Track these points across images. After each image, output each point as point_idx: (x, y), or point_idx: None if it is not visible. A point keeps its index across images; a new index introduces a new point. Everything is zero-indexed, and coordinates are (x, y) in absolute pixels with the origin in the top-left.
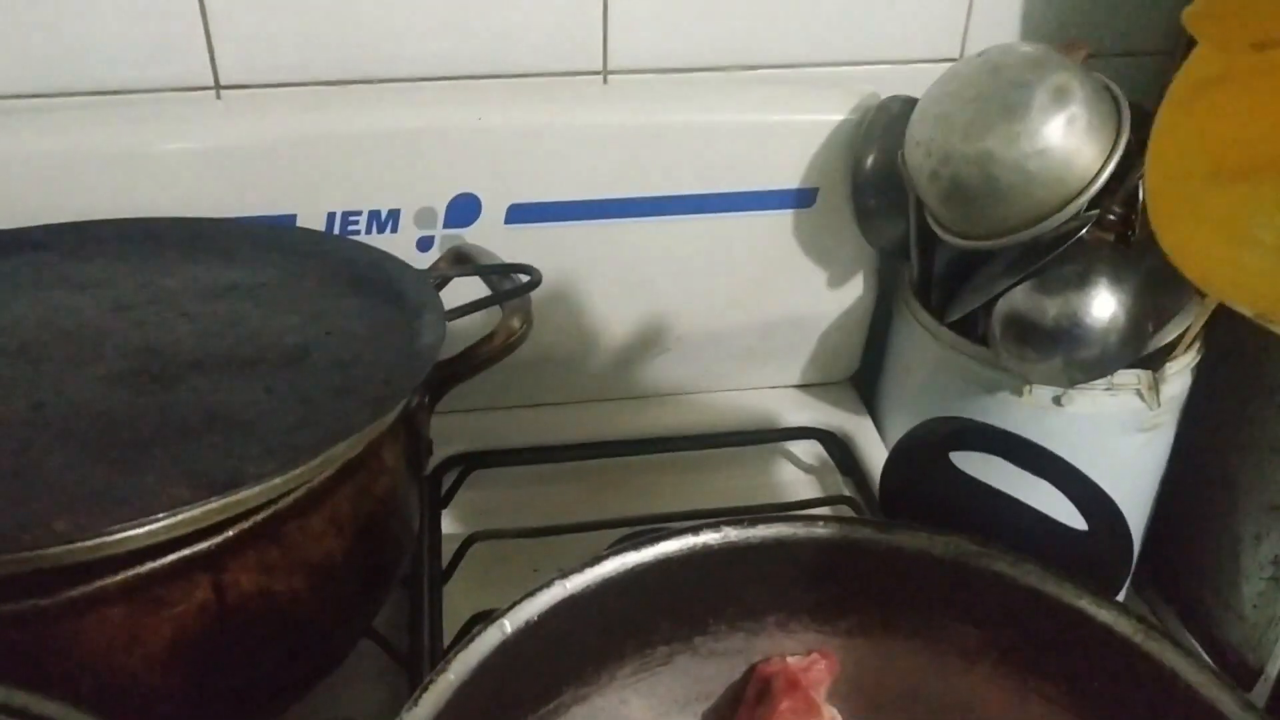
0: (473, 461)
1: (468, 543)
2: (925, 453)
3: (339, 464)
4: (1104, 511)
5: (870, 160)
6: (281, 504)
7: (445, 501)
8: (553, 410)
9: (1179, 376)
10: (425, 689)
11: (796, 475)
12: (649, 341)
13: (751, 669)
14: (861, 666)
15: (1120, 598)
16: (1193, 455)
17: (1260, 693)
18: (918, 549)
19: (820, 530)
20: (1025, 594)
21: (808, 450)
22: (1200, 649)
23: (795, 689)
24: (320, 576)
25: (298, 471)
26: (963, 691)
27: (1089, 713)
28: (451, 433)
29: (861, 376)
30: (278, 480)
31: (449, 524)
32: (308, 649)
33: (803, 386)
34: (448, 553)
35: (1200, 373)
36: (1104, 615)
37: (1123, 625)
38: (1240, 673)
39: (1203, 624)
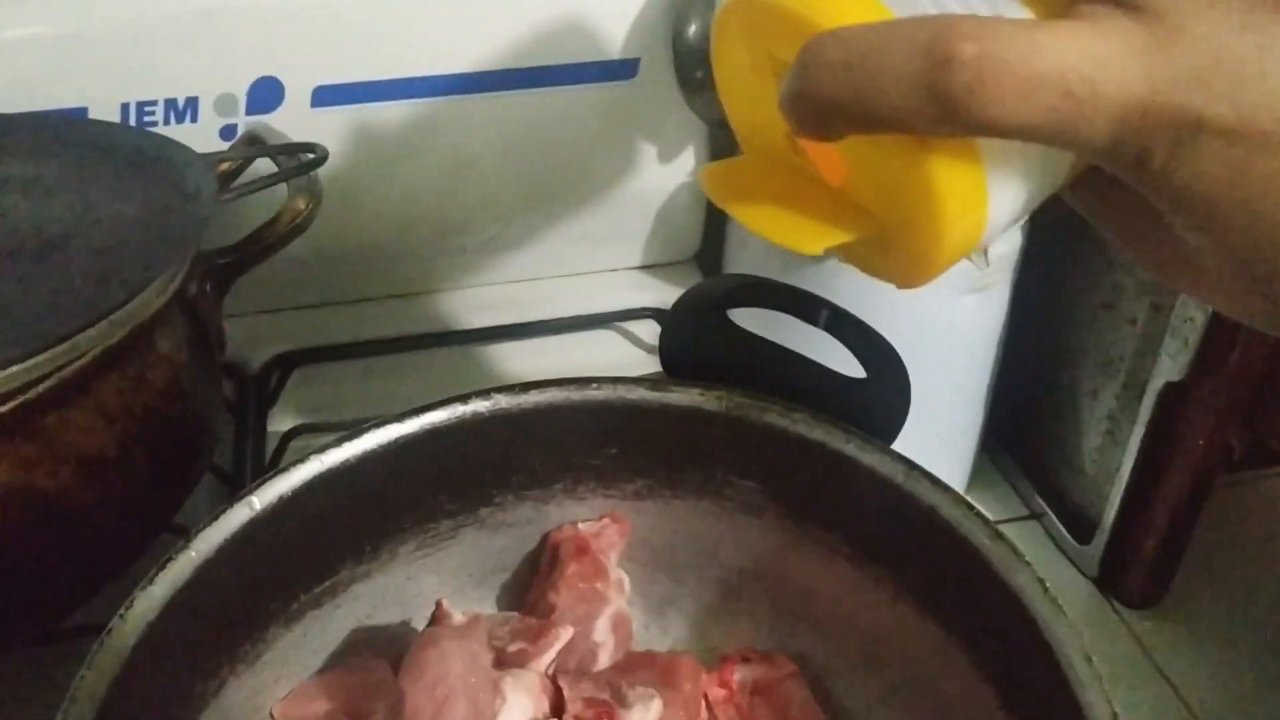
0: (297, 359)
1: (287, 438)
2: (703, 312)
3: (97, 352)
4: (881, 357)
5: (692, 30)
6: (31, 394)
7: (271, 400)
8: (381, 304)
9: (1007, 237)
10: (162, 567)
11: (636, 356)
12: (477, 227)
13: (545, 538)
14: (654, 530)
15: (970, 463)
16: (1030, 315)
17: (1098, 544)
18: (691, 405)
19: (594, 392)
20: (797, 443)
21: (649, 331)
22: (1044, 505)
23: (584, 554)
24: (94, 471)
25: (41, 359)
26: (752, 548)
27: (863, 556)
28: (276, 331)
29: (705, 255)
30: (17, 369)
31: (276, 423)
32: (89, 546)
33: (644, 268)
34: (271, 450)
35: (1031, 231)
36: (868, 459)
37: (886, 467)
38: (1082, 526)
39: (1050, 483)
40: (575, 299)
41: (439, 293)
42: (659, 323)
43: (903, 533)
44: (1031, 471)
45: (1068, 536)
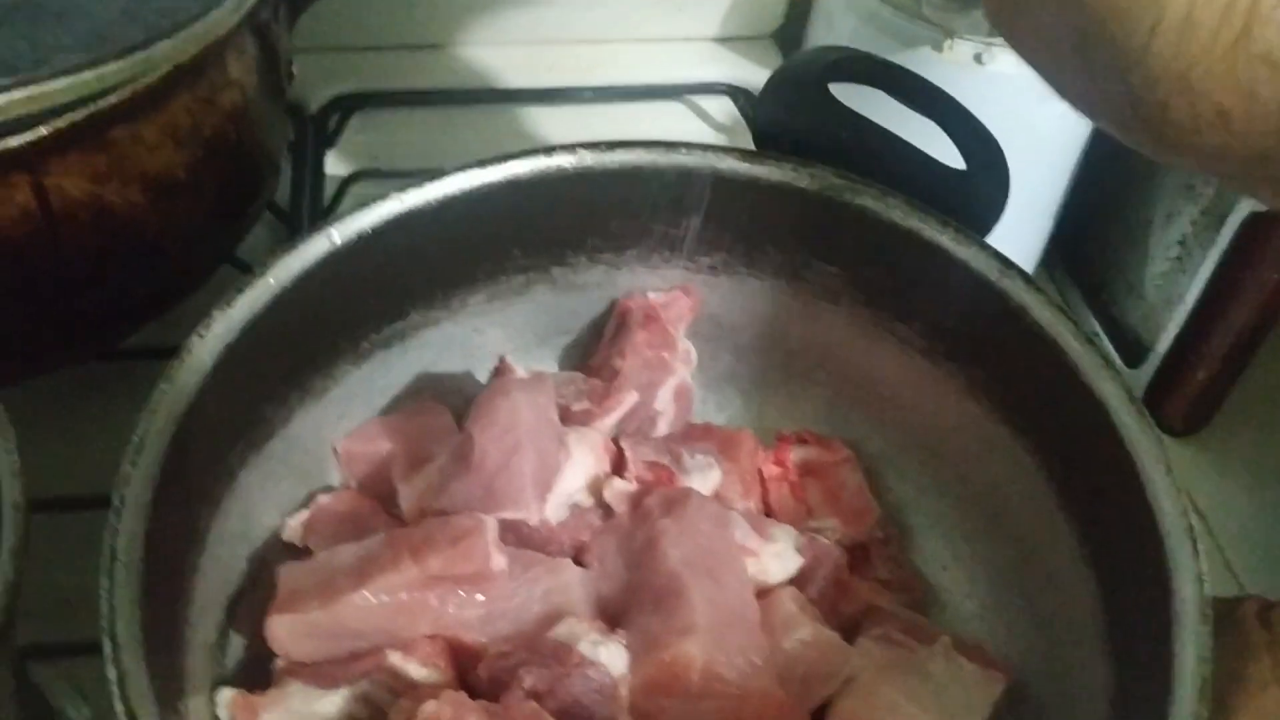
0: (359, 102)
1: (348, 182)
2: (803, 84)
3: (169, 66)
4: (984, 151)
5: None
6: (102, 104)
7: (330, 142)
8: (448, 52)
9: None
10: (241, 290)
11: (706, 132)
12: None
13: (613, 305)
14: (725, 307)
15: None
16: None
17: (1148, 369)
18: (782, 181)
19: (682, 158)
20: (888, 230)
21: (720, 107)
22: (1098, 327)
23: (654, 322)
24: (161, 192)
25: (114, 67)
26: (821, 334)
27: (939, 352)
28: (339, 71)
29: (786, 32)
30: (89, 75)
31: (333, 165)
32: (154, 269)
33: (721, 40)
34: (330, 194)
35: None
36: (963, 252)
37: (980, 262)
38: (1134, 351)
39: (1105, 305)
40: (645, 65)
41: (508, 45)
42: (732, 99)
43: (985, 331)
44: (1088, 292)
45: (1117, 359)
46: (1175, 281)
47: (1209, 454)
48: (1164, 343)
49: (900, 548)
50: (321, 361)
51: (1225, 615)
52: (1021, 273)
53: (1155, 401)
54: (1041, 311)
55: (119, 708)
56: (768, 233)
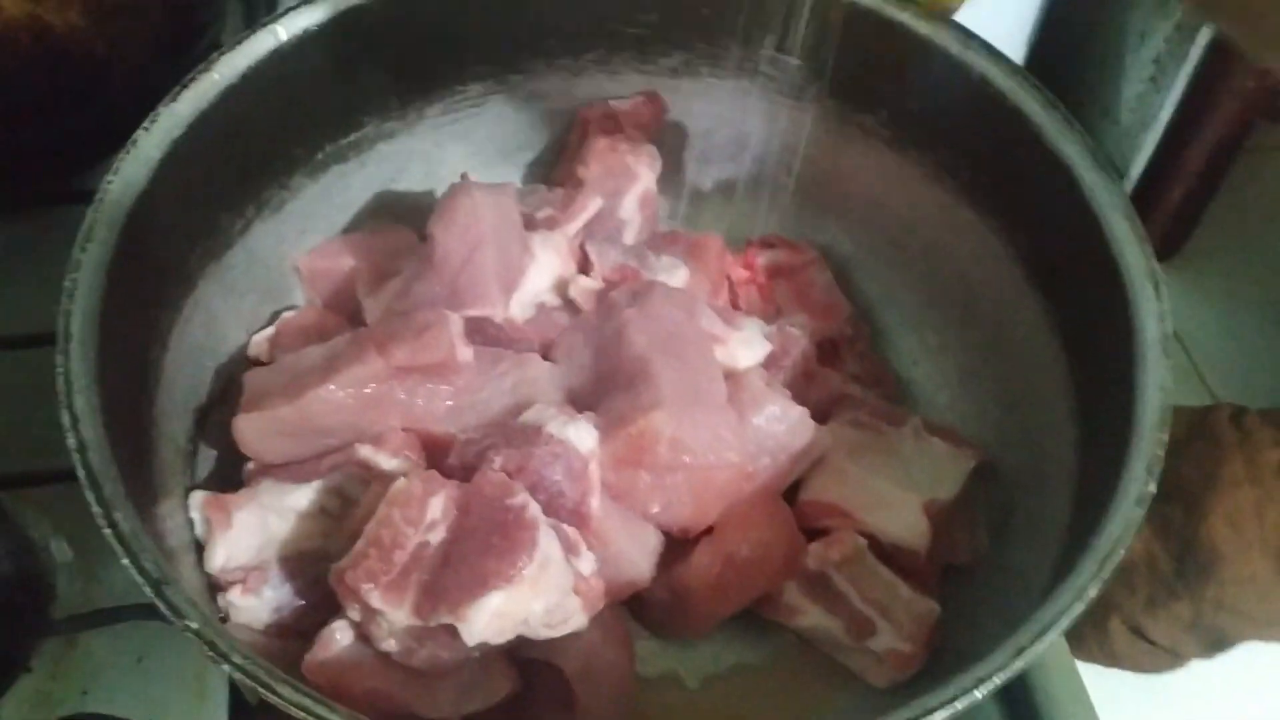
0: None
1: None
2: None
3: None
4: None
5: None
6: None
7: None
8: None
9: None
10: (185, 86)
11: None
12: None
13: (575, 115)
14: (689, 114)
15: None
16: None
17: None
18: None
19: None
20: (849, 11)
21: None
22: None
23: (616, 129)
24: (102, 14)
25: None
26: (787, 135)
27: (904, 138)
28: None
29: None
30: None
31: None
32: (101, 97)
33: None
34: None
35: None
36: (923, 29)
37: (940, 36)
38: None
39: None
40: None
41: None
42: None
43: (950, 109)
44: None
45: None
46: (1150, 102)
47: (1185, 275)
48: (1138, 166)
49: (870, 344)
50: (276, 170)
51: (1199, 423)
52: (983, 43)
53: None
54: (1005, 80)
55: (77, 463)
56: (728, 25)
